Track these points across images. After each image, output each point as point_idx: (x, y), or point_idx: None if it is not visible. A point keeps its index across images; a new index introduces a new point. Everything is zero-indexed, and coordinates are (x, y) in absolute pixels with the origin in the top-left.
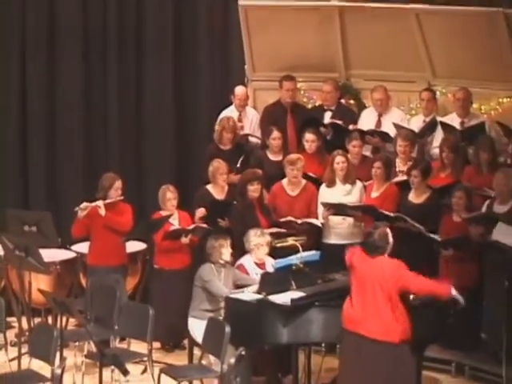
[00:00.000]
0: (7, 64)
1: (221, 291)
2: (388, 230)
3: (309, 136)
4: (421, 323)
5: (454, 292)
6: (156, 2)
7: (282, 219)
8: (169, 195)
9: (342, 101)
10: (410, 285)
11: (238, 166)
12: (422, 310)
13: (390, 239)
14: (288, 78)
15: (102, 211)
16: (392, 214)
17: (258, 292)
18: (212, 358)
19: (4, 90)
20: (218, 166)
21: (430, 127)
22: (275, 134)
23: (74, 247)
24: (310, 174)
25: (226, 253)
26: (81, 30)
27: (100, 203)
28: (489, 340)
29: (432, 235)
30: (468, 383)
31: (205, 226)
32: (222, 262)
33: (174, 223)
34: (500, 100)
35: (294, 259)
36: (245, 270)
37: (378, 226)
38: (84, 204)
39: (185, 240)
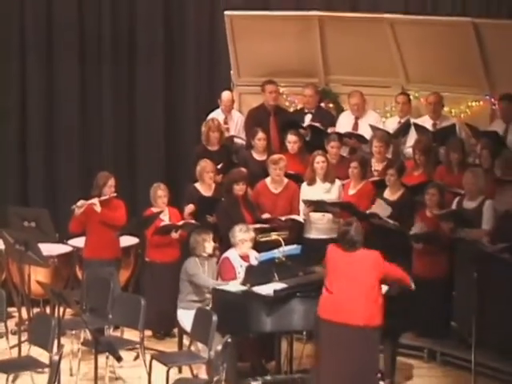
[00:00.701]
0: (7, 69)
1: (207, 283)
2: (359, 224)
3: (291, 137)
4: (397, 313)
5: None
6: (147, 11)
7: (266, 216)
8: (160, 193)
9: (322, 104)
10: (388, 273)
11: (219, 167)
12: (398, 300)
13: (357, 233)
14: (269, 81)
15: (98, 208)
16: (367, 212)
17: (243, 283)
18: (200, 345)
19: (4, 93)
20: (204, 165)
21: (404, 128)
22: (260, 134)
23: (70, 242)
24: (291, 172)
25: (209, 246)
26: (77, 36)
27: (95, 201)
28: (459, 328)
29: (406, 230)
30: (439, 368)
31: (193, 222)
32: (205, 255)
33: (165, 219)
34: (469, 103)
35: (277, 253)
36: (230, 263)
37: (350, 223)
38: (80, 202)
39: (174, 235)
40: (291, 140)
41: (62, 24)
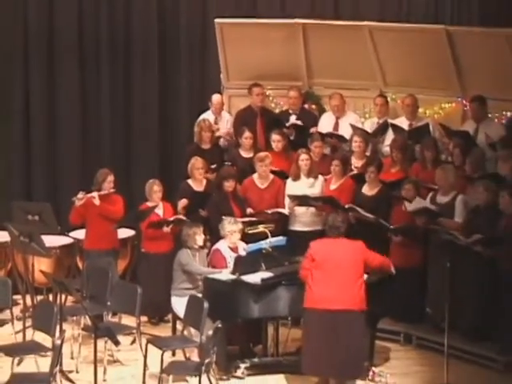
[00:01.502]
0: (11, 72)
1: (199, 270)
2: (336, 215)
3: (275, 136)
4: (376, 299)
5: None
6: (143, 18)
7: (255, 210)
8: (155, 188)
9: (305, 106)
10: (372, 260)
11: (213, 167)
12: (377, 287)
13: (342, 220)
14: (256, 84)
15: (97, 201)
16: (347, 206)
17: (233, 273)
18: (192, 330)
19: (9, 95)
20: (194, 162)
21: (382, 128)
22: (247, 134)
23: (71, 234)
24: (276, 169)
25: (200, 239)
26: (77, 41)
27: (95, 194)
28: (433, 314)
29: (384, 223)
30: (415, 351)
31: (184, 218)
32: (196, 247)
33: (159, 213)
34: (442, 105)
35: (264, 244)
36: (221, 254)
37: (336, 212)
38: (80, 194)
39: (166, 229)
40: (275, 139)
41: (63, 30)
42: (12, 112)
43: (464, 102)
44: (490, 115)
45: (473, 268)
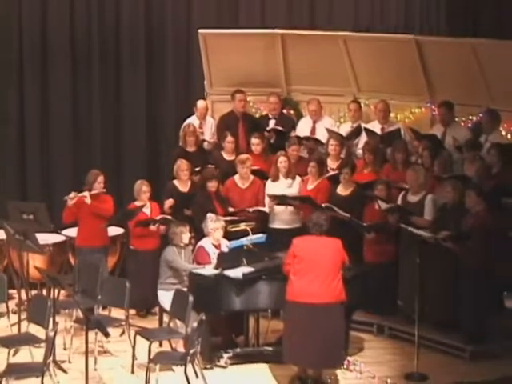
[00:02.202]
0: (7, 78)
1: (184, 266)
2: (320, 213)
3: (254, 140)
4: (350, 293)
5: None
6: (132, 29)
7: (236, 209)
8: (144, 188)
9: (284, 111)
10: (345, 259)
11: (197, 169)
12: (351, 282)
13: (325, 218)
14: (239, 91)
15: (88, 200)
16: (323, 205)
17: (216, 268)
18: (178, 322)
19: (5, 99)
20: (179, 164)
21: (356, 132)
22: (229, 138)
23: (64, 232)
24: (256, 168)
25: (186, 237)
26: (69, 48)
27: (86, 194)
28: (404, 306)
29: (358, 222)
30: (387, 341)
31: (169, 217)
32: (182, 244)
33: (147, 212)
34: (412, 110)
35: (245, 241)
36: (205, 250)
37: (319, 211)
38: (72, 193)
39: (153, 228)
40: (254, 142)
41: (55, 37)
42: (8, 116)
43: (432, 107)
44: (456, 119)
45: (441, 263)
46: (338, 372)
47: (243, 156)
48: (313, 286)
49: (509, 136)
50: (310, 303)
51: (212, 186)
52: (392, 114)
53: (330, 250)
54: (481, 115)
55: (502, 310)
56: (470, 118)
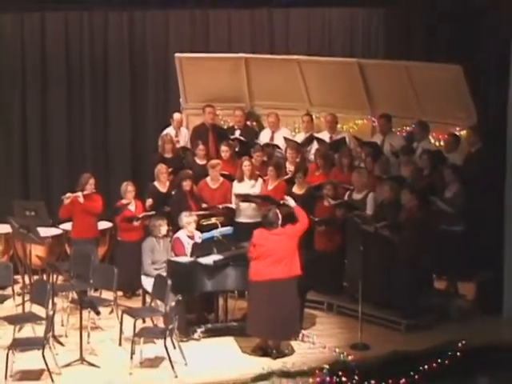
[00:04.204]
0: (11, 94)
1: (145, 262)
2: (277, 211)
3: (223, 147)
4: (305, 275)
5: None
6: (118, 55)
7: (208, 205)
8: (129, 188)
9: (248, 123)
10: (297, 227)
11: (172, 170)
12: (305, 266)
13: (280, 216)
14: (209, 106)
15: (81, 199)
16: (281, 201)
17: (190, 256)
18: (158, 302)
19: (10, 112)
20: (159, 168)
21: (308, 140)
22: (200, 146)
23: (61, 226)
24: (225, 173)
25: (163, 229)
26: (64, 69)
27: (79, 194)
28: (349, 287)
29: (311, 216)
30: (335, 317)
31: (150, 214)
32: (160, 235)
33: (132, 209)
34: (356, 122)
35: (215, 233)
36: (180, 241)
37: (270, 209)
38: (68, 194)
39: (136, 223)
40: (223, 149)
41: (53, 60)
42: (12, 126)
43: (373, 119)
44: (393, 129)
45: (380, 251)
46: (294, 343)
47: (214, 161)
48: (270, 267)
49: (437, 143)
50: (269, 279)
51: (186, 184)
52: (339, 125)
53: (283, 237)
54: (413, 126)
55: (432, 290)
56: (405, 128)
